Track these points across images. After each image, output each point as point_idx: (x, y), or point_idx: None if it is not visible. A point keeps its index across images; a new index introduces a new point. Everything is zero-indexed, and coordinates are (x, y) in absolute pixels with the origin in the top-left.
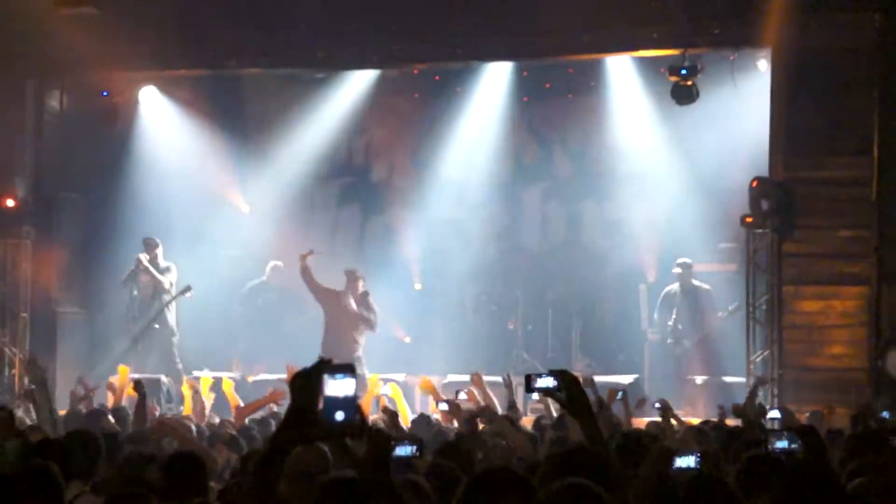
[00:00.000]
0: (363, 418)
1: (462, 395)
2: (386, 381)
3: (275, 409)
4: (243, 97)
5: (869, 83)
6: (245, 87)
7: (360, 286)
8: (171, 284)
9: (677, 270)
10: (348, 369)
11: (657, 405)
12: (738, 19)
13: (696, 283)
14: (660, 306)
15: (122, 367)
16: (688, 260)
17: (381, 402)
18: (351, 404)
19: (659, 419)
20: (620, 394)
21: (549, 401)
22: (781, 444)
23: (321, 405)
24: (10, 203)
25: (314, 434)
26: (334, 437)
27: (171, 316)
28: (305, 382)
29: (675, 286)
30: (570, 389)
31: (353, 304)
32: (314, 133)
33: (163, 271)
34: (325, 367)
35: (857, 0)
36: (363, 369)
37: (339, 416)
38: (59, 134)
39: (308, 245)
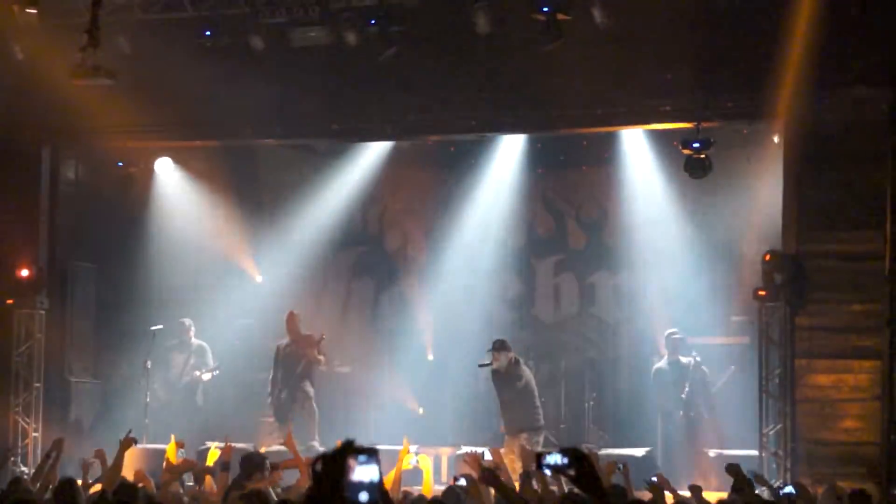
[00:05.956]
0: (387, 499)
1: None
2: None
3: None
4: (258, 167)
5: (882, 157)
6: (259, 158)
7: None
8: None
9: (671, 345)
10: (373, 452)
11: (653, 478)
12: (751, 93)
13: (682, 359)
14: (655, 385)
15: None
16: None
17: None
18: (375, 487)
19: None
20: (620, 466)
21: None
22: None
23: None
24: (25, 273)
25: None
26: None
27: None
28: (332, 467)
29: (663, 362)
30: (580, 467)
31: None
32: (328, 203)
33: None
34: (350, 449)
35: (869, 74)
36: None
37: (364, 497)
38: (75, 203)
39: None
